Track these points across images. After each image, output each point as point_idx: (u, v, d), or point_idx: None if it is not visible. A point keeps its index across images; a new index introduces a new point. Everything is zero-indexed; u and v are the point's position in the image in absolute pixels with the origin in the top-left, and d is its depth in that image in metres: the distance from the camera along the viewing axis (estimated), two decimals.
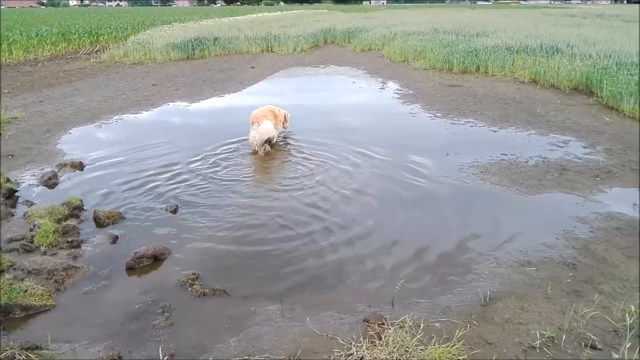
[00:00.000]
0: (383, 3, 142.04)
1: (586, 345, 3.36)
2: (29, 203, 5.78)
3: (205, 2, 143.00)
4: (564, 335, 3.45)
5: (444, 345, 3.27)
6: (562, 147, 7.88)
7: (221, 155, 7.55)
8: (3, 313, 3.75)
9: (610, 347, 3.35)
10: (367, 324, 3.62)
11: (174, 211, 5.56)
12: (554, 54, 15.61)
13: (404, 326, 3.50)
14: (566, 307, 3.79)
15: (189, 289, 4.09)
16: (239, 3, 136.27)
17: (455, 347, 3.26)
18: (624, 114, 9.83)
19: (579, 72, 12.66)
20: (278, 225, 5.35)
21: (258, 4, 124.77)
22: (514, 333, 3.52)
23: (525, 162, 7.16)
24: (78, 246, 4.79)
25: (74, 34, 25.34)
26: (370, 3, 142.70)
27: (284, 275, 4.37)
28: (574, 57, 14.57)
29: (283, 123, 8.38)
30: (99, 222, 5.26)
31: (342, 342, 3.41)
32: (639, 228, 5.11)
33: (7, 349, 3.32)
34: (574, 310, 3.71)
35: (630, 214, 5.45)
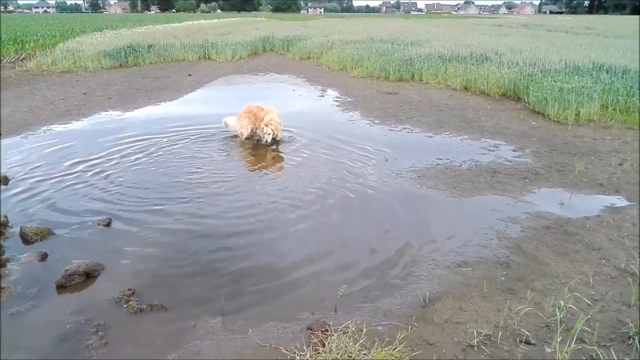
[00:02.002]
0: (320, 12, 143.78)
1: (521, 341, 3.50)
2: None
3: (139, 9, 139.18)
4: (500, 333, 3.58)
5: (386, 349, 3.31)
6: (493, 150, 8.22)
7: (156, 163, 7.34)
8: None
9: (543, 342, 3.50)
10: (310, 331, 3.60)
11: (108, 224, 5.33)
12: (484, 61, 16.32)
13: (347, 332, 3.52)
14: (501, 305, 3.94)
15: (125, 306, 3.92)
16: (174, 10, 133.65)
17: (397, 349, 3.31)
18: (550, 118, 10.40)
19: (507, 79, 13.29)
20: (215, 234, 5.25)
21: (194, 12, 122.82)
22: (453, 332, 3.62)
23: (459, 166, 7.41)
24: (3, 265, 4.48)
25: None
26: (307, 12, 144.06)
27: (224, 286, 4.28)
28: (502, 64, 15.28)
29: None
30: (26, 239, 4.95)
31: (286, 351, 3.38)
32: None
33: None
34: (509, 308, 3.86)
35: (557, 213, 5.75)
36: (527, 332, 3.57)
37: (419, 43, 21.87)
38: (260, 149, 8.28)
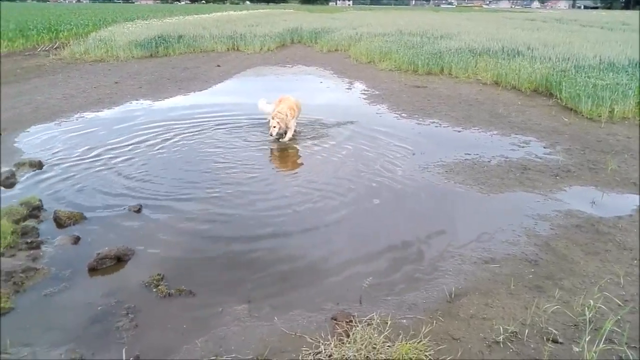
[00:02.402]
0: (349, 4, 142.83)
1: (548, 340, 3.46)
2: None
3: (170, 0, 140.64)
4: (527, 330, 3.54)
5: (410, 342, 3.31)
6: (523, 147, 8.09)
7: (186, 152, 7.45)
8: None
9: (571, 341, 3.46)
10: (335, 322, 3.63)
11: (138, 210, 5.44)
12: (515, 56, 16.02)
13: (372, 323, 3.54)
14: (528, 302, 3.90)
15: (154, 290, 4.01)
16: (203, 1, 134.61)
17: (421, 343, 3.31)
18: (582, 115, 10.17)
19: (539, 74, 13.03)
20: (244, 223, 5.33)
21: (223, 3, 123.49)
22: (479, 328, 3.59)
23: (488, 161, 7.32)
24: (38, 247, 4.63)
25: (32, 30, 24.53)
26: (336, 4, 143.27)
27: (251, 274, 4.34)
28: (534, 59, 14.98)
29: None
30: (60, 223, 5.10)
31: (311, 340, 3.41)
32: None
33: None
34: (536, 306, 3.82)
35: (588, 212, 5.64)
36: (554, 331, 3.53)
37: (449, 36, 21.59)
38: (290, 141, 8.29)
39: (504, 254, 4.68)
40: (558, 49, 16.39)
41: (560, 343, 3.44)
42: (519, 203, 5.91)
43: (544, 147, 8.08)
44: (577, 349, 3.34)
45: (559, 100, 11.40)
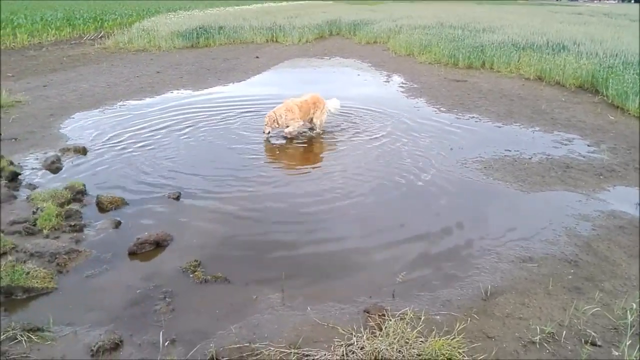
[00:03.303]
0: None
1: (586, 342, 3.37)
2: (32, 186, 5.78)
3: None
4: (564, 332, 3.46)
5: (444, 338, 3.28)
6: (566, 144, 7.86)
7: (225, 142, 7.56)
8: (5, 294, 3.77)
9: (610, 345, 3.36)
10: (367, 314, 3.63)
11: (177, 197, 5.56)
12: (561, 51, 15.51)
13: (405, 318, 3.52)
14: (567, 303, 3.80)
15: (191, 275, 4.10)
16: None
17: (455, 339, 3.27)
18: (629, 113, 9.79)
19: (585, 70, 12.60)
20: (280, 213, 5.38)
21: None
22: (515, 328, 3.53)
23: (529, 158, 7.14)
24: (80, 230, 4.80)
25: (79, 19, 25.26)
26: None
27: (285, 263, 4.38)
28: (581, 55, 14.47)
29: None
30: (102, 207, 5.26)
31: (343, 331, 3.42)
32: None
33: (9, 330, 3.34)
34: (575, 307, 3.72)
35: (632, 213, 5.45)
36: (593, 333, 3.44)
37: (491, 30, 21.06)
38: (325, 134, 8.29)
39: (543, 253, 4.57)
40: (606, 44, 15.79)
41: (599, 346, 3.35)
42: (560, 202, 5.75)
43: (588, 145, 7.82)
44: (617, 353, 3.25)
45: (605, 98, 11.01)
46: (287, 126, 7.86)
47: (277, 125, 7.83)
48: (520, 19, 28.74)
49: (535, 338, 3.39)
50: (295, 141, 7.85)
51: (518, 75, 14.11)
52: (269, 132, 7.78)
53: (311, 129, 8.33)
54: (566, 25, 24.26)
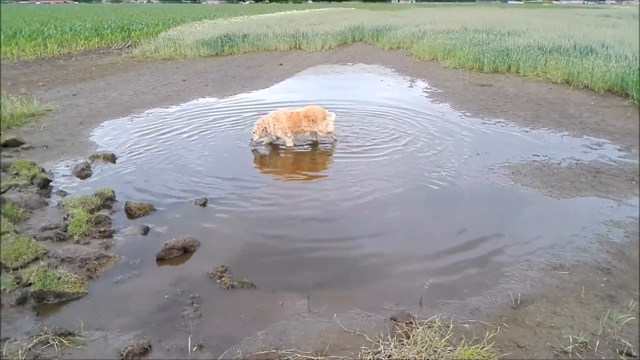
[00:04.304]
0: (412, 1, 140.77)
1: (621, 352, 3.28)
2: (63, 193, 5.91)
3: (235, 0, 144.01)
4: (598, 341, 3.37)
5: (473, 347, 3.22)
6: (596, 149, 7.69)
7: (252, 148, 7.62)
8: (37, 299, 3.85)
9: None
10: (394, 322, 3.59)
11: (204, 204, 5.61)
12: (588, 54, 15.23)
13: (433, 326, 3.47)
14: (600, 312, 3.70)
15: (218, 281, 4.13)
16: (267, 1, 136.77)
17: (485, 349, 3.21)
18: None
19: (614, 73, 12.33)
20: (307, 220, 5.38)
21: (286, 2, 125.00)
22: (546, 337, 3.45)
23: (558, 163, 7.01)
24: (110, 236, 4.88)
25: (107, 29, 25.85)
26: (398, 1, 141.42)
27: (311, 270, 4.38)
28: (609, 58, 14.18)
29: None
30: (130, 213, 5.35)
31: (370, 339, 3.40)
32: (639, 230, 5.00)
33: (41, 334, 3.40)
34: (609, 316, 3.62)
35: None
36: (628, 343, 3.34)
37: (516, 33, 20.84)
38: (349, 140, 8.27)
39: (574, 261, 4.46)
40: (635, 46, 15.44)
41: (634, 357, 3.25)
42: (590, 208, 5.62)
43: (619, 150, 7.64)
44: None
45: (635, 101, 10.74)
46: (276, 135, 7.73)
47: (265, 134, 7.67)
48: (546, 22, 28.36)
49: (568, 348, 3.30)
50: (319, 147, 7.84)
51: (545, 79, 13.90)
52: (257, 140, 7.66)
53: (315, 142, 8.04)
54: (593, 27, 23.85)
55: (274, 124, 7.62)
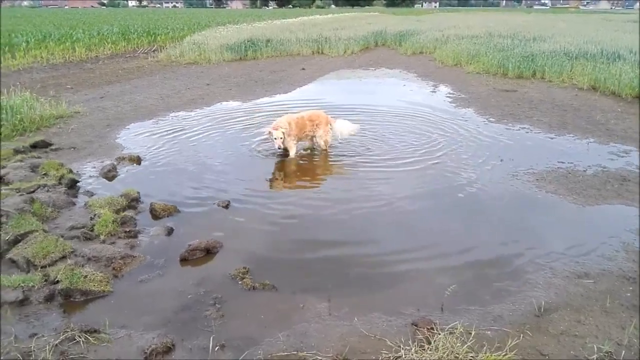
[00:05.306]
0: (435, 6, 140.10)
1: None
2: (90, 193, 6.03)
3: (258, 4, 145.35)
4: (623, 351, 3.31)
5: (495, 354, 3.20)
6: (623, 156, 7.55)
7: (274, 151, 7.67)
8: (64, 296, 3.94)
9: None
10: (416, 327, 3.58)
11: (226, 206, 5.68)
12: (616, 60, 14.97)
13: (455, 332, 3.45)
14: (626, 322, 3.64)
15: (240, 282, 4.17)
16: (291, 6, 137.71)
17: (507, 356, 3.19)
18: None
19: None
20: (329, 223, 5.41)
21: (309, 7, 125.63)
22: (570, 346, 3.40)
23: (584, 171, 6.90)
24: (135, 236, 4.97)
25: (133, 34, 26.30)
26: (422, 6, 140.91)
27: (332, 273, 4.40)
28: (637, 63, 13.92)
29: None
30: (155, 214, 5.44)
31: (391, 344, 3.39)
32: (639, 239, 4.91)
33: (67, 330, 3.48)
34: (634, 326, 3.55)
35: None
36: None
37: (542, 39, 20.60)
38: (376, 142, 8.27)
39: (600, 270, 4.39)
40: None
41: None
42: (617, 216, 5.53)
43: None
44: None
45: None
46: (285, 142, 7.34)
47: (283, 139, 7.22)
48: (572, 27, 27.97)
49: (592, 357, 3.25)
50: (338, 150, 7.84)
51: (571, 85, 13.69)
52: (281, 146, 7.25)
53: (312, 148, 7.87)
54: (621, 33, 23.46)
55: (288, 131, 7.27)
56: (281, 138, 7.14)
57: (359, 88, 14.16)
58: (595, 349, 3.31)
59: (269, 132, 7.21)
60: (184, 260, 4.53)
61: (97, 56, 21.00)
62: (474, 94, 12.65)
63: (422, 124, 9.45)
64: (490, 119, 9.91)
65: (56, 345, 3.36)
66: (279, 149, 7.30)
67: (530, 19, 43.35)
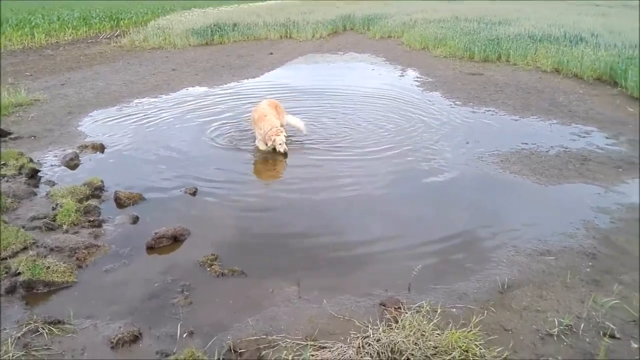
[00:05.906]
0: None
1: (605, 334, 3.34)
2: (51, 183, 5.88)
3: None
4: (583, 324, 3.44)
5: (460, 330, 3.27)
6: (584, 137, 7.75)
7: (241, 137, 7.60)
8: (26, 288, 3.84)
9: (630, 337, 3.33)
10: (383, 307, 3.64)
11: (194, 193, 5.61)
12: (578, 43, 15.28)
13: (421, 311, 3.51)
14: (585, 296, 3.77)
15: (208, 269, 4.15)
16: None
17: (471, 332, 3.27)
18: None
19: (603, 61, 12.38)
20: (297, 208, 5.41)
21: None
22: (532, 320, 3.51)
23: (546, 151, 7.06)
24: (99, 225, 4.87)
25: (95, 19, 25.48)
26: None
27: (301, 257, 4.42)
28: (599, 46, 14.25)
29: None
30: (120, 203, 5.33)
31: (359, 324, 3.44)
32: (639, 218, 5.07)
33: (30, 322, 3.41)
34: (593, 300, 3.69)
35: None
36: (612, 326, 3.40)
37: (507, 22, 20.81)
38: (342, 128, 8.27)
39: (561, 247, 4.52)
40: (625, 35, 15.52)
41: (618, 338, 3.32)
42: (577, 195, 5.69)
43: (606, 138, 7.71)
44: (636, 345, 3.22)
45: (624, 90, 10.80)
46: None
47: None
48: (537, 11, 28.38)
49: (553, 330, 3.37)
50: (310, 137, 7.82)
51: (535, 68, 13.93)
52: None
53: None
54: (584, 16, 23.90)
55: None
56: (285, 142, 6.85)
57: (327, 72, 14.10)
58: (557, 322, 3.42)
59: (272, 140, 6.75)
60: (150, 249, 4.47)
61: (57, 42, 20.30)
62: (440, 77, 12.75)
63: (390, 109, 9.49)
64: (457, 102, 10.02)
65: (19, 337, 3.29)
66: (285, 152, 6.82)
67: (496, 2, 43.79)
